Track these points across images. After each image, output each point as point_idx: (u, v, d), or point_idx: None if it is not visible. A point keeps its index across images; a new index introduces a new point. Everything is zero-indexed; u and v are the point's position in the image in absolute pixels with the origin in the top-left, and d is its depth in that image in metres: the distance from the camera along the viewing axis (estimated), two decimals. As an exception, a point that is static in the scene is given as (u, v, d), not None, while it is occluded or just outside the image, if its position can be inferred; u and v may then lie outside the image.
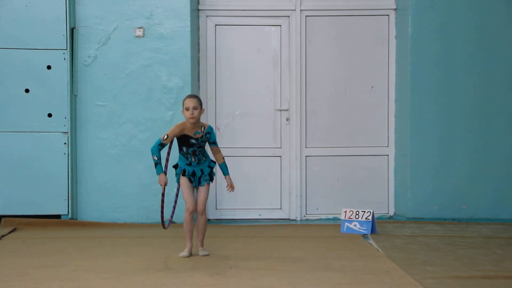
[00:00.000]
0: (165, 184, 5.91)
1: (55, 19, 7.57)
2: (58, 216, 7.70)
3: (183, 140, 5.89)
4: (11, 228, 7.37)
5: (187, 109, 5.83)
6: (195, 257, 5.94)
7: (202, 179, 5.98)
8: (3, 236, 7.02)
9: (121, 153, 7.82)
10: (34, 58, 7.60)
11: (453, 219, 7.92)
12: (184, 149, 5.91)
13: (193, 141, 5.87)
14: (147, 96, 7.75)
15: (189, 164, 5.95)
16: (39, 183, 7.64)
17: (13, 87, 7.61)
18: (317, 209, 8.28)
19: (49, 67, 7.63)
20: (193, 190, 6.02)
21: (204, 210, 6.02)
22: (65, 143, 7.66)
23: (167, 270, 5.51)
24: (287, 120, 8.24)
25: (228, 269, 5.49)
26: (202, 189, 6.01)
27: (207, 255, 6.01)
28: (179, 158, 6.00)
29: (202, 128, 5.93)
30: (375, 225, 7.17)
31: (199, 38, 8.15)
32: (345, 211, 7.22)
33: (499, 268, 5.59)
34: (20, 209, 7.64)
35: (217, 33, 8.20)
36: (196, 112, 5.82)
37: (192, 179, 5.97)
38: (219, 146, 6.13)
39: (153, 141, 7.69)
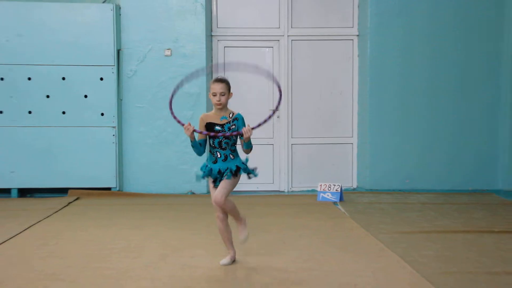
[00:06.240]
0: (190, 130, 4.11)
1: (106, 43, 7.62)
2: (109, 189, 7.75)
3: (209, 130, 4.19)
4: (75, 197, 7.42)
5: (214, 94, 4.20)
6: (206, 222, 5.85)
7: (224, 175, 4.18)
8: (69, 203, 7.08)
9: (155, 142, 7.85)
10: (91, 72, 7.60)
11: (400, 190, 7.98)
12: (211, 142, 4.21)
13: (217, 127, 4.17)
14: (174, 100, 7.64)
15: (215, 162, 4.20)
16: (96, 164, 7.65)
17: (76, 94, 7.64)
18: (300, 183, 8.31)
19: (101, 79, 7.66)
20: None
21: (222, 203, 4.15)
22: (113, 135, 7.70)
23: (181, 237, 5.39)
24: (278, 117, 8.30)
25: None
26: (221, 183, 4.19)
27: (245, 239, 4.37)
28: (207, 158, 4.30)
29: (231, 114, 4.26)
30: (343, 195, 7.22)
31: (212, 57, 8.18)
32: (320, 185, 7.27)
33: (432, 225, 5.67)
34: (82, 183, 7.65)
35: (225, 53, 8.22)
36: (223, 98, 4.18)
37: (218, 177, 4.20)
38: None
39: (177, 134, 7.73)
